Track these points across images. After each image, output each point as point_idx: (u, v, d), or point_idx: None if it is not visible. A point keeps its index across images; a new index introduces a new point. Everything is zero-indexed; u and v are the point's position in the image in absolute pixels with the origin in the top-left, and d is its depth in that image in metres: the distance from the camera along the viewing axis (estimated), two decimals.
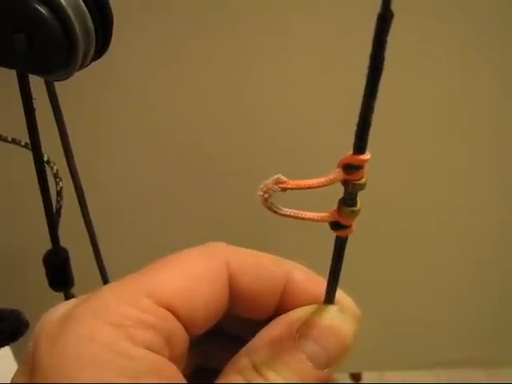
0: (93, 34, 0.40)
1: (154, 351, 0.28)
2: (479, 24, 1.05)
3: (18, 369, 0.29)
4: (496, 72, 1.11)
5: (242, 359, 0.32)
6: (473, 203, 1.30)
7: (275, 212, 0.28)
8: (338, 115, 0.78)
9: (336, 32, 1.03)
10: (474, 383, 1.63)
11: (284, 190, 0.27)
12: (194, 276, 0.32)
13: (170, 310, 0.30)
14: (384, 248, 1.34)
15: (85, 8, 0.39)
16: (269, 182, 0.27)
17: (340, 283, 0.33)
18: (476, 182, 1.27)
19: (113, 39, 0.44)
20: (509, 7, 1.04)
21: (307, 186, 0.26)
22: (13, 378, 0.29)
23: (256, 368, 0.31)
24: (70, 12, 0.38)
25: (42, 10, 0.37)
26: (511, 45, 1.09)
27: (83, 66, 0.42)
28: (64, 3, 0.38)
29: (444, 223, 1.33)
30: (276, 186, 0.27)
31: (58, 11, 0.38)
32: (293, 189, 0.27)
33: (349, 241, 0.30)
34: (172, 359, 0.29)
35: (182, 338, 0.31)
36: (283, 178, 0.27)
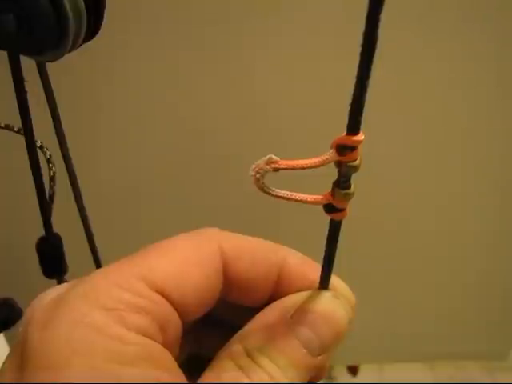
0: (84, 14, 0.39)
1: (146, 336, 0.28)
2: (482, 16, 1.05)
3: (9, 354, 0.29)
4: (500, 60, 1.11)
5: (235, 345, 0.31)
6: (474, 192, 1.30)
7: (268, 193, 0.27)
8: (335, 97, 0.78)
9: (330, 17, 1.03)
10: (473, 383, 1.64)
11: (276, 170, 0.26)
12: (186, 261, 0.31)
13: (162, 295, 0.30)
14: (384, 239, 1.34)
15: None
16: (260, 162, 0.26)
17: (339, 275, 0.33)
18: (481, 167, 1.27)
19: (108, 21, 0.44)
20: (509, 7, 1.04)
21: (300, 166, 0.26)
22: (3, 364, 0.29)
23: (249, 354, 0.30)
24: None
25: None
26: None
27: (74, 47, 0.41)
28: None
29: (447, 213, 1.33)
30: (268, 166, 0.26)
31: None
32: (285, 169, 0.26)
33: (348, 231, 0.30)
34: (165, 345, 0.29)
35: (175, 324, 0.30)
36: (275, 158, 0.26)
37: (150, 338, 0.28)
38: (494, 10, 1.04)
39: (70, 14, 0.38)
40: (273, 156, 0.26)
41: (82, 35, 0.41)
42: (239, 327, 0.33)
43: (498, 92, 1.15)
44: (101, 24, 0.42)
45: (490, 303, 1.50)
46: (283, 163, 0.26)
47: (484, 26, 1.06)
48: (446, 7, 1.04)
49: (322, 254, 0.31)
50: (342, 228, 0.29)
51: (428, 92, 1.14)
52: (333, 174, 0.27)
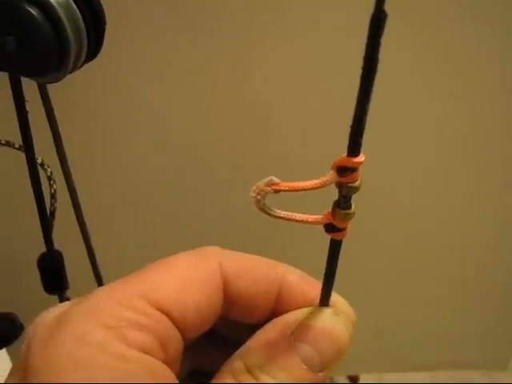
0: (85, 36, 0.40)
1: (148, 353, 0.28)
2: (482, 24, 1.05)
3: (11, 371, 0.29)
4: (497, 72, 1.11)
5: (236, 361, 0.31)
6: (472, 204, 1.30)
7: (268, 214, 0.27)
8: (337, 117, 0.78)
9: (331, 35, 1.03)
10: (472, 383, 1.63)
11: (277, 191, 0.26)
12: (187, 279, 0.31)
13: (163, 313, 0.30)
14: (382, 250, 1.34)
15: (76, 9, 0.38)
16: (261, 183, 0.26)
17: (338, 285, 0.33)
18: (476, 180, 1.27)
19: (107, 40, 0.44)
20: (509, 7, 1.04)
21: (300, 188, 0.26)
22: (6, 380, 0.29)
23: (249, 370, 0.30)
24: (61, 14, 0.37)
25: (33, 11, 0.37)
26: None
27: (75, 68, 0.41)
28: (55, 4, 0.37)
29: (443, 225, 1.32)
30: (268, 188, 0.26)
31: (48, 13, 0.37)
32: (285, 191, 0.26)
33: (348, 241, 0.30)
34: (166, 362, 0.29)
35: (176, 341, 0.30)
36: (276, 180, 0.26)
37: (151, 354, 0.28)
38: (494, 16, 1.04)
39: (71, 36, 0.38)
40: (273, 178, 0.26)
41: (83, 56, 0.41)
42: (241, 343, 0.33)
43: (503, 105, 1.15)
44: (101, 44, 0.42)
45: (492, 311, 1.49)
46: (284, 185, 0.26)
47: (485, 35, 1.06)
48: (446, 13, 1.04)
49: (323, 271, 0.32)
50: (344, 240, 0.29)
51: (431, 103, 1.14)
52: (335, 192, 0.27)
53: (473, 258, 1.39)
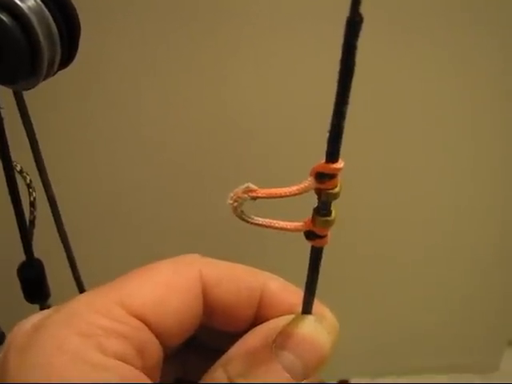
0: (58, 42, 0.39)
1: (125, 361, 0.28)
2: (475, 24, 1.05)
3: None
4: (489, 74, 1.12)
5: (217, 371, 0.31)
6: (468, 206, 1.30)
7: (246, 221, 0.27)
8: (319, 122, 0.78)
9: (311, 39, 1.03)
10: (468, 383, 1.63)
11: (254, 198, 0.26)
12: (166, 287, 0.31)
13: (142, 320, 0.30)
14: (376, 253, 1.34)
15: (49, 14, 0.38)
16: (238, 190, 0.26)
17: (330, 289, 0.32)
18: (472, 183, 1.27)
19: (83, 45, 0.44)
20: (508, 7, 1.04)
21: (278, 194, 0.26)
22: None
23: (231, 379, 0.30)
24: (33, 19, 0.37)
25: (4, 17, 0.37)
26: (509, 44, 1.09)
27: (49, 74, 0.41)
28: (26, 10, 0.37)
29: (437, 228, 1.33)
30: (245, 195, 0.26)
31: (20, 19, 0.37)
32: (263, 197, 0.26)
33: (340, 243, 0.29)
34: (145, 370, 0.29)
35: (155, 349, 0.30)
36: (253, 187, 0.26)
37: (128, 362, 0.28)
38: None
39: (43, 42, 0.38)
40: (250, 184, 0.26)
41: (57, 62, 0.40)
42: (224, 352, 0.33)
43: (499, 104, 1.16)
44: (76, 50, 0.42)
45: (487, 315, 1.50)
46: (261, 192, 0.26)
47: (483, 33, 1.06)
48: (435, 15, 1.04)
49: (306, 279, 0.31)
50: (339, 239, 0.29)
51: (429, 105, 1.14)
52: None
53: (468, 260, 1.39)
